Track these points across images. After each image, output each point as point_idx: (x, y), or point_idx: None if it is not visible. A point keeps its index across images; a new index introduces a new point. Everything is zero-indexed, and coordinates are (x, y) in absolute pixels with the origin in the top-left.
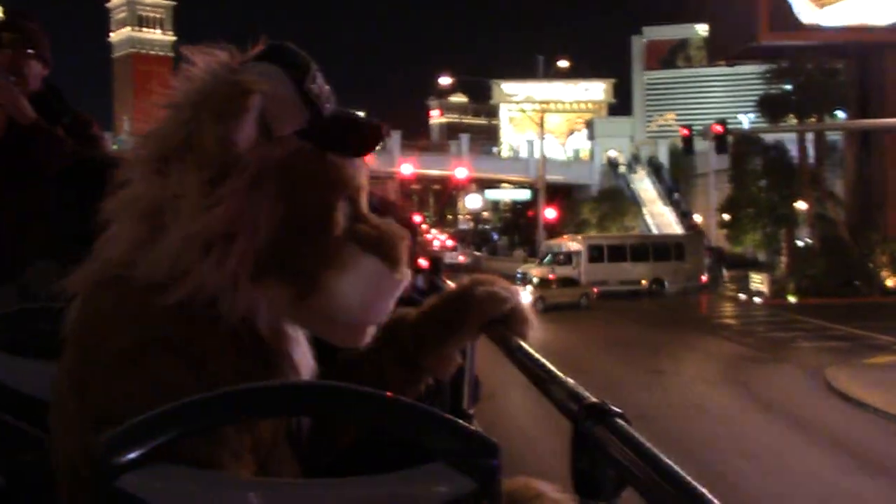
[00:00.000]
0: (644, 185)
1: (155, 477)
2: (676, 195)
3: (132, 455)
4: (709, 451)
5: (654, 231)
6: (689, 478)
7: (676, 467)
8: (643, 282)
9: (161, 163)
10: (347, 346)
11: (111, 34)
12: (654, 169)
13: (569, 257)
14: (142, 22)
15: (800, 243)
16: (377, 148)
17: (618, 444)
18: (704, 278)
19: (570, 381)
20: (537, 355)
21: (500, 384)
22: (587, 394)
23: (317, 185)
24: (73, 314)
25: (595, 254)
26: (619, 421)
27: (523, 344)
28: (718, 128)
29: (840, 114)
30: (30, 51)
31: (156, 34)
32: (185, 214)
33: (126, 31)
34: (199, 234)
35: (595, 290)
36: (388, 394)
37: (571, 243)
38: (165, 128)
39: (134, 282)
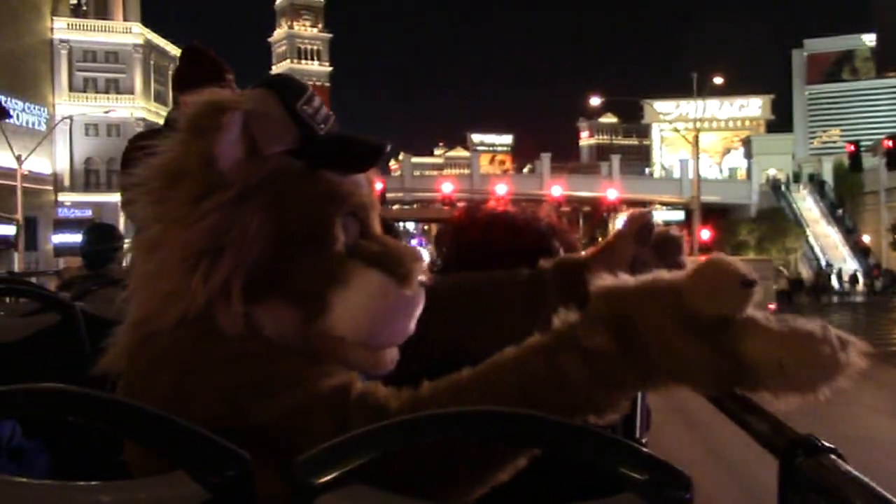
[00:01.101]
0: (806, 205)
1: (353, 499)
2: (842, 214)
3: (330, 476)
4: (892, 490)
5: (819, 254)
6: None
7: None
8: None
9: (161, 192)
10: (368, 371)
11: (273, 67)
12: (818, 187)
13: None
14: (300, 54)
15: None
16: (378, 164)
17: (835, 483)
18: (772, 306)
19: (773, 412)
20: None
21: (670, 410)
22: (794, 427)
23: (307, 200)
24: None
25: None
26: (835, 457)
27: None
28: (889, 143)
29: None
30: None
31: (313, 66)
32: (173, 236)
33: (286, 64)
34: (185, 251)
35: None
36: (581, 423)
37: None
38: (163, 156)
39: (160, 335)
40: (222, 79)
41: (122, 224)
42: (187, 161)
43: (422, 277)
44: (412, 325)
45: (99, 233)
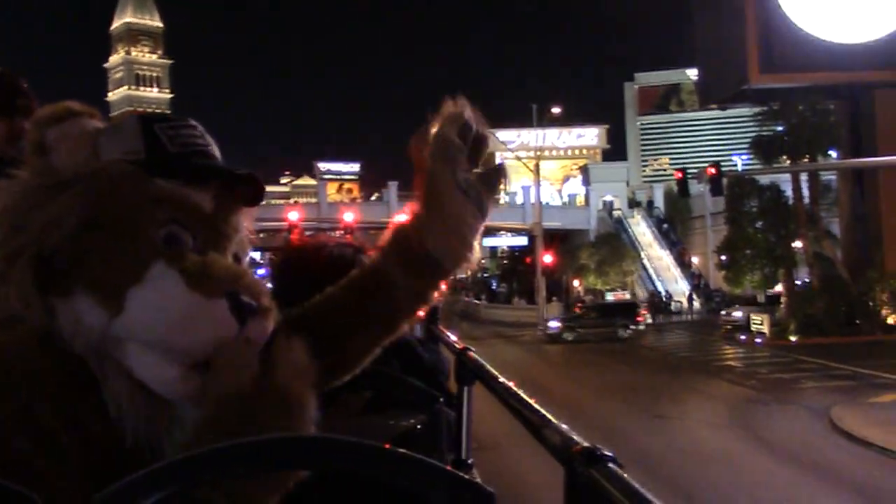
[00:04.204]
0: (641, 229)
1: None
2: (674, 237)
3: None
4: (717, 497)
5: (653, 275)
6: None
7: None
8: None
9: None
10: (157, 388)
11: (109, 94)
12: (651, 213)
13: None
14: (139, 81)
15: (799, 283)
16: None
17: (610, 489)
18: None
19: (563, 426)
20: (530, 400)
21: (505, 434)
22: (579, 438)
23: (126, 198)
24: None
25: None
26: (612, 465)
27: (516, 389)
28: (712, 170)
29: (833, 153)
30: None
31: (152, 92)
32: None
33: (123, 91)
34: None
35: None
36: (386, 445)
37: None
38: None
39: None
40: (15, 105)
41: None
42: (26, 150)
43: (248, 300)
44: (209, 339)
45: None
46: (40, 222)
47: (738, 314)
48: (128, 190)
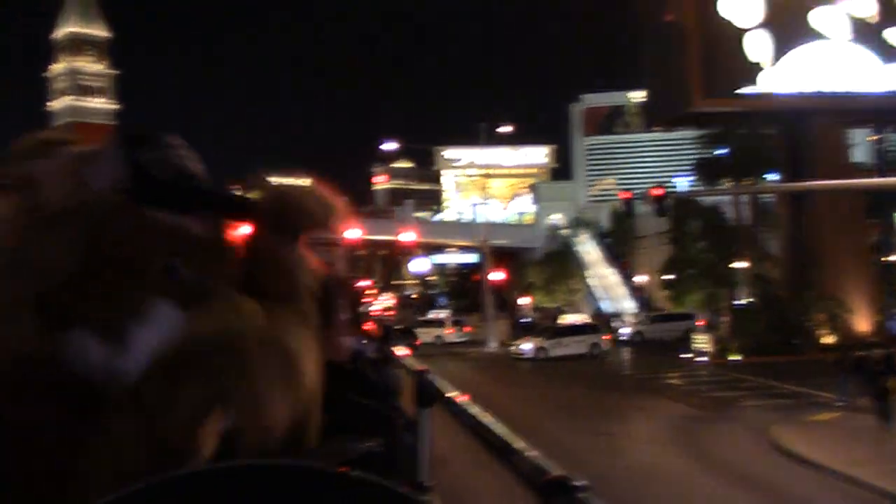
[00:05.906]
0: (587, 248)
1: None
2: (618, 255)
3: None
4: None
5: (601, 293)
6: None
7: None
8: None
9: None
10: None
11: (51, 103)
12: (597, 232)
13: None
14: (83, 91)
15: (740, 303)
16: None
17: None
18: None
19: (535, 453)
20: (499, 426)
21: (452, 449)
22: (551, 467)
23: (126, 232)
24: None
25: None
26: (585, 495)
27: (482, 416)
28: (657, 191)
29: (773, 176)
30: None
31: (97, 103)
32: None
33: (67, 100)
34: None
35: None
36: (343, 468)
37: None
38: None
39: None
40: None
41: None
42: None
43: None
44: None
45: None
46: (40, 261)
47: (527, 346)
48: (124, 224)
